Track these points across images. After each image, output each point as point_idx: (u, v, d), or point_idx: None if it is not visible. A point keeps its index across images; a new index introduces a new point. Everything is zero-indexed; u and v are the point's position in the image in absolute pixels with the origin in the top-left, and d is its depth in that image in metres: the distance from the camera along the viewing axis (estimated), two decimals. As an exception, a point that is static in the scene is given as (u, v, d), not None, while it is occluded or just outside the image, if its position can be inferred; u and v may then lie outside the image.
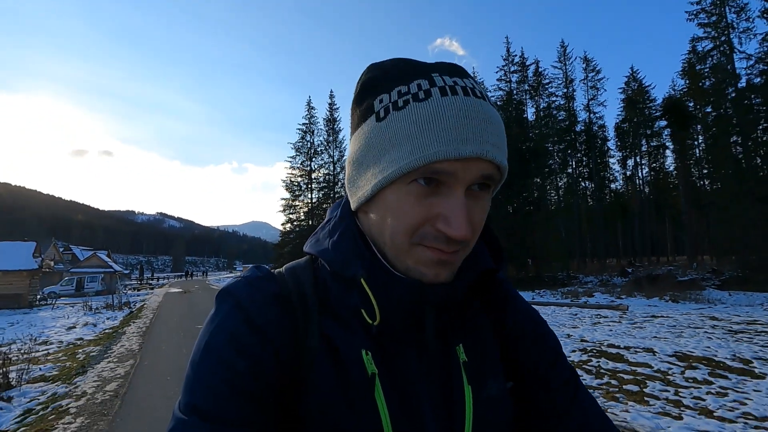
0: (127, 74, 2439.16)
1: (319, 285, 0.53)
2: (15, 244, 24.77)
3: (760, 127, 22.47)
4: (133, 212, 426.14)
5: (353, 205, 0.52)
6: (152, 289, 37.13)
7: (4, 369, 6.03)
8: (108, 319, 14.80)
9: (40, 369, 7.02)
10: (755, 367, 5.80)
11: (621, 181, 40.20)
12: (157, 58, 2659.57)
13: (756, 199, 20.37)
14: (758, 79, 22.61)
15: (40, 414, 4.80)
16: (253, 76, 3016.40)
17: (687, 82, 30.42)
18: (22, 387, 5.92)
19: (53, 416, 4.64)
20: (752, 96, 22.41)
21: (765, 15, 21.33)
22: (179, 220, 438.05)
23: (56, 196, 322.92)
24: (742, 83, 23.42)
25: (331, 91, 37.93)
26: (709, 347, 7.07)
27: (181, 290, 29.76)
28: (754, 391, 4.78)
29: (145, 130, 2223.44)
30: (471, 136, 0.43)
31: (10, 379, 5.98)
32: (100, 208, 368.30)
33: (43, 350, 8.95)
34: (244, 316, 0.47)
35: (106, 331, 11.82)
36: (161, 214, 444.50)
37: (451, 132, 0.43)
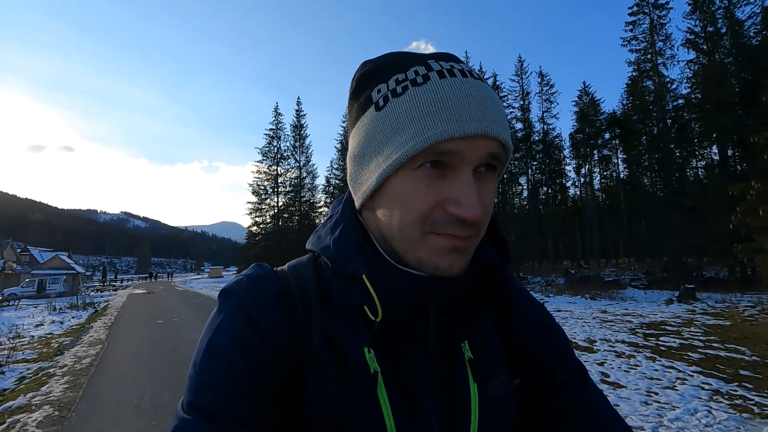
0: (91, 69, 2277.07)
1: (322, 282, 0.53)
2: (-24, 246, 25.14)
3: (695, 139, 25.47)
4: (95, 211, 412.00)
5: (357, 203, 0.53)
6: (116, 290, 37.61)
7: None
8: (73, 317, 15.89)
9: (22, 353, 8.43)
10: (596, 346, 7.83)
11: (577, 188, 43.39)
12: (123, 53, 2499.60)
13: (675, 209, 23.25)
14: (681, 101, 25.73)
15: (33, 378, 6.38)
16: (227, 74, 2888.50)
17: (630, 98, 33.53)
18: (10, 365, 7.37)
19: (45, 377, 6.26)
20: (686, 114, 25.41)
21: (686, 44, 24.33)
22: (145, 219, 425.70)
23: (11, 193, 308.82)
24: (671, 105, 26.46)
25: (298, 98, 39.52)
26: (575, 332, 9.13)
27: (144, 291, 30.57)
28: (584, 362, 6.75)
29: (109, 126, 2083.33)
30: (474, 113, 0.43)
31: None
32: (60, 207, 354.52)
33: (17, 342, 10.23)
34: (247, 315, 0.47)
35: (74, 327, 13.07)
36: (125, 213, 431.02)
37: (454, 111, 0.43)
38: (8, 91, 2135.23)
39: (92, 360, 7.47)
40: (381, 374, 0.47)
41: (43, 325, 13.96)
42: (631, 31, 28.46)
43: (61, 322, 14.42)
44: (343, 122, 39.00)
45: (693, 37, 24.13)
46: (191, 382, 0.45)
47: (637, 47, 28.18)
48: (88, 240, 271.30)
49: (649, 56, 27.53)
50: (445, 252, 0.45)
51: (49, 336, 11.26)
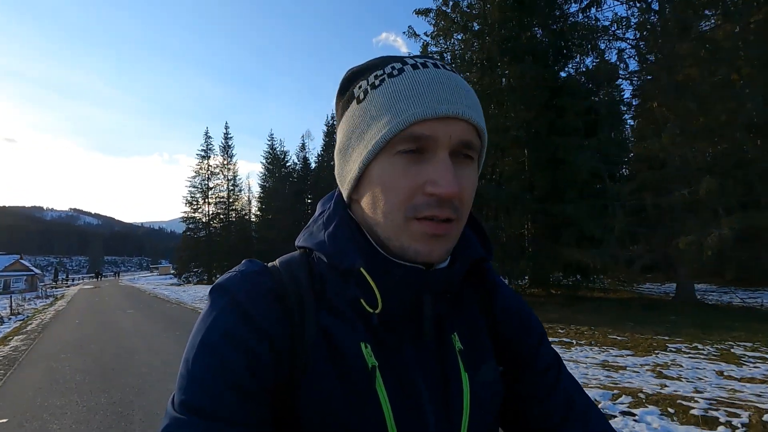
0: (35, 53, 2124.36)
1: (315, 278, 0.54)
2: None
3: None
4: (41, 208, 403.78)
5: (345, 195, 0.56)
6: (68, 287, 47.41)
7: (11, 308, 17.90)
8: (41, 302, 25.82)
9: (23, 314, 18.64)
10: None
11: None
12: (70, 37, 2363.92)
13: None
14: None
15: (36, 313, 17.16)
16: (187, 64, 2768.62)
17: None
18: (22, 313, 17.68)
19: (41, 314, 17.08)
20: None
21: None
22: (97, 216, 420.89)
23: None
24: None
25: (226, 123, 49.05)
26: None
27: (92, 286, 40.26)
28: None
29: (56, 116, 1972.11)
30: (445, 97, 0.47)
31: (13, 310, 17.74)
32: (0, 205, 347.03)
33: (19, 308, 20.23)
34: (240, 311, 0.48)
35: (46, 304, 23.23)
36: (75, 210, 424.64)
37: (426, 95, 0.47)
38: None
39: (62, 310, 18.10)
40: (378, 368, 0.49)
41: (23, 305, 23.81)
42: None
43: (35, 304, 24.35)
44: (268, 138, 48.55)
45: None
46: (183, 380, 0.45)
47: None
48: (34, 239, 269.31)
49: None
50: (425, 238, 0.48)
51: (32, 308, 21.30)
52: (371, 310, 0.51)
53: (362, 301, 0.51)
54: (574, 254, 12.03)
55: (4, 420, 4.51)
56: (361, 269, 0.50)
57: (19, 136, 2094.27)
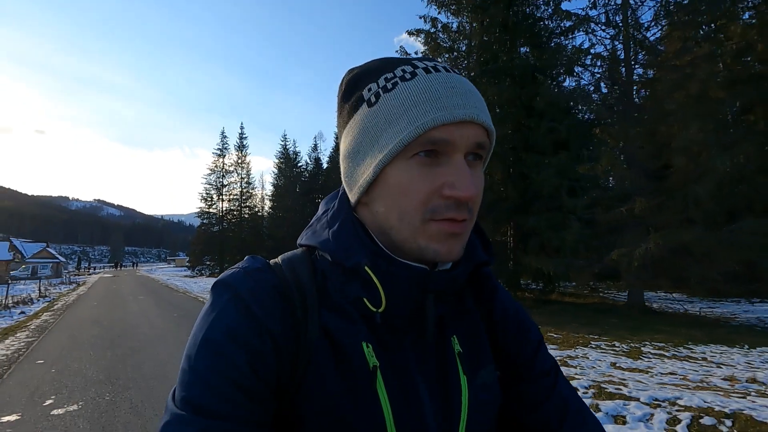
0: (61, 46, 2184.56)
1: (318, 276, 0.55)
2: (-6, 242, 38.24)
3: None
4: (66, 198, 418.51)
5: (353, 198, 0.55)
6: (90, 275, 50.72)
7: (40, 291, 20.22)
8: (65, 287, 28.38)
9: (49, 297, 20.98)
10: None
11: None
12: (94, 29, 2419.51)
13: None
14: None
15: (60, 296, 19.57)
16: (210, 58, 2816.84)
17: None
18: (48, 296, 20.01)
19: (64, 297, 19.46)
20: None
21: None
22: (119, 207, 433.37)
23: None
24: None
25: (241, 123, 51.19)
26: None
27: (111, 275, 43.22)
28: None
29: (83, 108, 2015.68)
30: (460, 102, 0.48)
31: (41, 293, 20.08)
32: (29, 194, 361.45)
33: (47, 291, 22.66)
34: (243, 308, 0.48)
35: (70, 289, 25.71)
36: (99, 201, 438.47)
37: (442, 100, 0.47)
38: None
39: (84, 293, 20.54)
40: (379, 369, 0.49)
41: (50, 289, 26.38)
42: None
43: (60, 289, 26.92)
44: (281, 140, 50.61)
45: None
46: (185, 377, 0.45)
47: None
48: (59, 228, 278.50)
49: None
50: (444, 238, 0.49)
51: (57, 292, 23.74)
52: (374, 309, 0.51)
53: (365, 300, 0.51)
54: (536, 262, 13.42)
55: (41, 361, 6.56)
56: (366, 267, 0.50)
57: (48, 127, 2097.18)
